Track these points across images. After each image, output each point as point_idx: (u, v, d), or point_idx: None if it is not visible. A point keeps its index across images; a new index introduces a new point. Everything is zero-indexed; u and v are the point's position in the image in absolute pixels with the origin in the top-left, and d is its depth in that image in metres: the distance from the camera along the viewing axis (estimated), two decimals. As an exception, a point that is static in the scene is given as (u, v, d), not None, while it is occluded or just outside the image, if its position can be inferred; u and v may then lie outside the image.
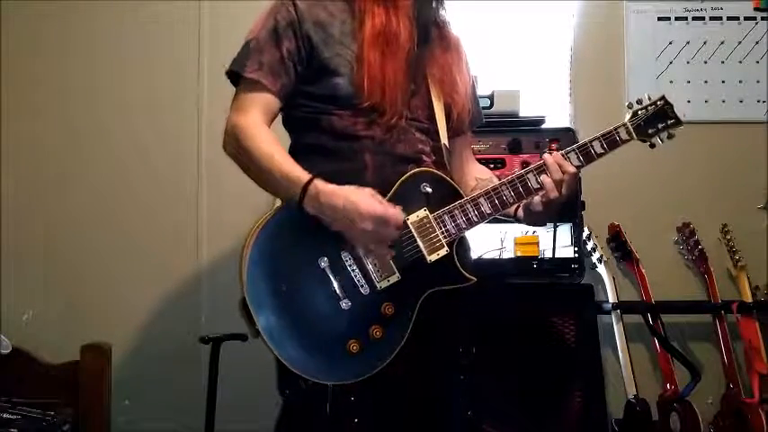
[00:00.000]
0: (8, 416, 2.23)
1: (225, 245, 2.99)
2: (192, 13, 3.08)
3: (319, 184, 1.64)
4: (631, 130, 1.81)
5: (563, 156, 1.78)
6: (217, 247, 3.04)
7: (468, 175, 2.00)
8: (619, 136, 1.80)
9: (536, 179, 1.77)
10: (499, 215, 1.82)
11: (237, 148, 1.73)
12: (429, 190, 1.74)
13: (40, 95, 3.07)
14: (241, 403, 2.80)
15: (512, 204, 1.79)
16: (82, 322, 2.94)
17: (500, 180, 1.81)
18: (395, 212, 1.65)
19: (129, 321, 3.02)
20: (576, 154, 1.78)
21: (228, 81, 1.81)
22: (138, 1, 3.06)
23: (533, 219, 1.86)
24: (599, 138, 1.79)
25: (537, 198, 1.78)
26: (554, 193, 1.75)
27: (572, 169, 1.76)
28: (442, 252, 1.72)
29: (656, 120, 1.83)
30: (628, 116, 1.83)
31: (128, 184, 3.05)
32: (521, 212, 1.86)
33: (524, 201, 1.80)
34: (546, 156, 1.78)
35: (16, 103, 3.05)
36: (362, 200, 1.63)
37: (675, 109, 1.84)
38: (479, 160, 2.16)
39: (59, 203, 3.05)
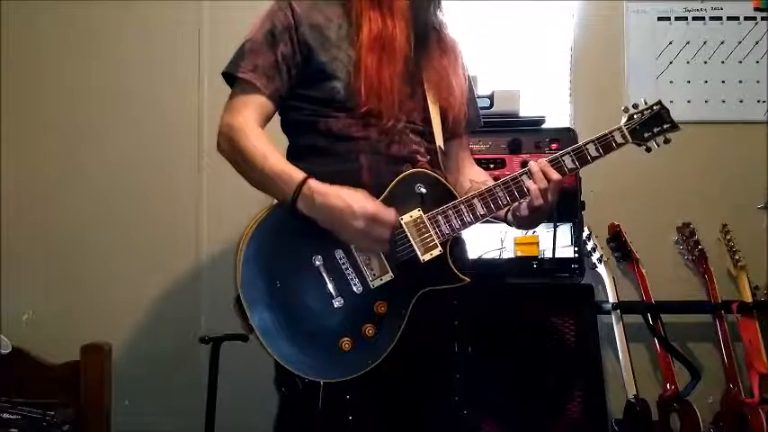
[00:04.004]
0: (8, 416, 2.23)
1: (225, 244, 2.99)
2: (191, 14, 3.08)
3: (313, 183, 1.66)
4: (626, 133, 1.82)
5: (557, 158, 1.79)
6: (217, 246, 3.04)
7: (463, 177, 2.00)
8: (614, 139, 1.81)
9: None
10: (491, 217, 1.83)
11: (231, 148, 1.74)
12: (423, 190, 1.75)
13: (40, 95, 3.08)
14: (241, 403, 2.80)
15: (505, 206, 1.79)
16: (82, 322, 2.94)
17: (495, 182, 1.81)
18: (387, 212, 1.66)
19: (129, 321, 3.02)
20: (571, 157, 1.79)
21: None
22: (139, 1, 3.07)
23: (520, 223, 1.87)
24: (594, 141, 1.80)
25: (524, 204, 1.79)
26: (539, 201, 1.76)
27: (556, 176, 1.76)
28: (436, 252, 1.73)
29: (652, 124, 1.84)
30: (623, 120, 1.84)
31: (128, 184, 3.06)
32: (510, 216, 1.87)
33: (513, 205, 1.81)
34: (531, 163, 1.78)
35: (16, 103, 3.05)
36: (355, 199, 1.64)
37: (672, 113, 1.85)
38: (479, 160, 2.16)
39: (59, 203, 3.05)
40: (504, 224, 1.92)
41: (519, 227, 1.92)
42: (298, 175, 1.67)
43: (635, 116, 1.84)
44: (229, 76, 1.80)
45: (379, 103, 1.73)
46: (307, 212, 1.66)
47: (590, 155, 1.79)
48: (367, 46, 1.74)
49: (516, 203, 1.80)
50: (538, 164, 1.78)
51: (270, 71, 1.75)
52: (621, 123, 1.83)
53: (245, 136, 1.72)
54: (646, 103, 1.85)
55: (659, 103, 1.85)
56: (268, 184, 1.70)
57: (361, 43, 1.75)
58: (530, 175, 1.77)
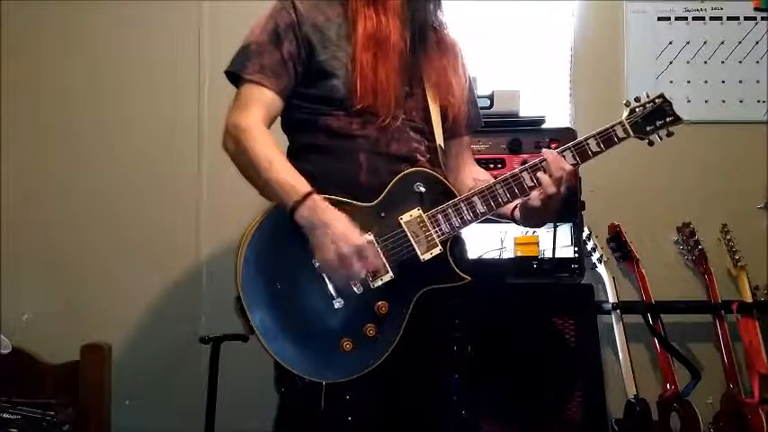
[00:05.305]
0: (8, 416, 2.23)
1: (225, 244, 2.99)
2: (192, 13, 3.08)
3: (317, 199, 1.65)
4: (628, 127, 1.80)
5: (558, 153, 1.78)
6: (217, 247, 3.04)
7: (466, 177, 1.99)
8: (615, 134, 1.79)
9: (531, 177, 1.76)
10: (496, 217, 1.82)
11: (237, 149, 1.73)
12: (422, 189, 1.75)
13: (40, 95, 3.08)
14: (241, 403, 2.79)
15: (506, 203, 1.78)
16: (82, 322, 2.94)
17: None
18: (375, 256, 1.66)
19: (129, 321, 3.02)
20: (572, 152, 1.78)
21: (228, 81, 1.82)
22: (138, 1, 3.07)
23: (531, 217, 1.84)
24: (595, 135, 1.79)
25: (535, 194, 1.75)
26: (552, 189, 1.74)
27: (568, 167, 1.75)
28: (436, 251, 1.73)
29: (654, 117, 1.82)
30: (625, 114, 1.82)
31: (128, 184, 3.05)
32: (518, 213, 1.84)
33: (520, 200, 1.79)
34: (546, 151, 1.77)
35: (16, 102, 3.05)
36: (351, 230, 1.64)
37: (675, 107, 1.83)
38: (479, 160, 2.15)
39: (59, 203, 3.05)
40: (507, 224, 1.91)
41: (528, 224, 1.89)
42: (302, 187, 1.66)
43: (637, 110, 1.82)
44: (235, 76, 1.79)
45: (374, 101, 1.73)
46: (302, 223, 1.65)
47: (591, 150, 1.78)
48: (362, 44, 1.74)
49: (524, 198, 1.78)
50: (551, 152, 1.76)
51: (277, 70, 1.75)
52: (623, 117, 1.81)
53: (251, 138, 1.71)
54: (648, 97, 1.83)
55: (661, 95, 1.83)
56: (270, 191, 1.69)
57: (357, 41, 1.75)
58: (546, 164, 1.74)
